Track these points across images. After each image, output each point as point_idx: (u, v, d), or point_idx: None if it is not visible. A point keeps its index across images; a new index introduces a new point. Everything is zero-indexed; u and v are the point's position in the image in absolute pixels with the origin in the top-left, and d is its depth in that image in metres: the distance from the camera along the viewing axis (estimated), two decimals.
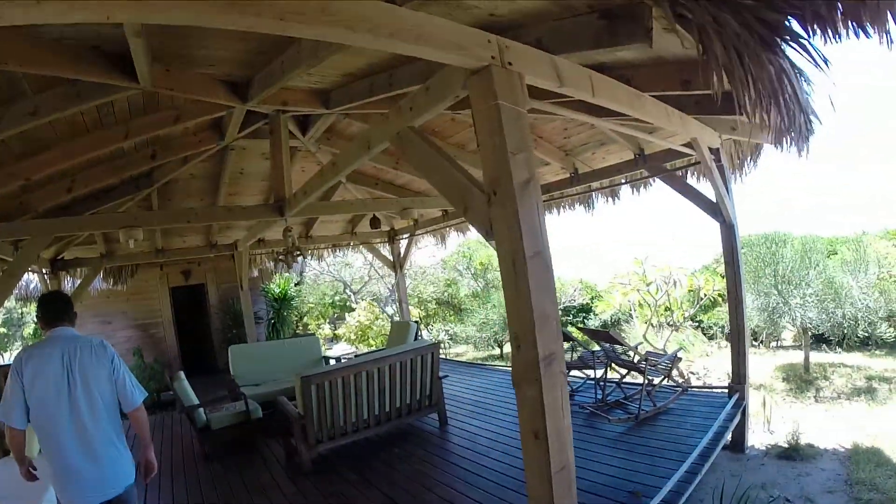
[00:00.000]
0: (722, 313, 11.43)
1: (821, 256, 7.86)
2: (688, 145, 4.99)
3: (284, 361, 6.83)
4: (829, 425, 5.86)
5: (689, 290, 11.85)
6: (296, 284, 12.21)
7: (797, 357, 8.73)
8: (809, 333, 8.15)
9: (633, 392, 5.59)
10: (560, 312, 14.17)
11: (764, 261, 8.15)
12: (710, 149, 4.68)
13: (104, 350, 2.58)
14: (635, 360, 5.27)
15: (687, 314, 11.33)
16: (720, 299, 11.17)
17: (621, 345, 5.19)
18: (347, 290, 17.26)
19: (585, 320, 13.83)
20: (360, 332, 13.20)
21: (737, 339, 5.17)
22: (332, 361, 7.46)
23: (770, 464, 4.85)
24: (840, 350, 8.97)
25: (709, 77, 2.21)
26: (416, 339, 7.06)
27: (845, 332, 8.02)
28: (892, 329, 8.40)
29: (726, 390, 5.15)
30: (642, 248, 14.15)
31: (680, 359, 5.50)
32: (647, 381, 5.07)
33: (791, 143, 3.98)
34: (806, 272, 7.72)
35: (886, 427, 5.74)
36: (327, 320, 17.48)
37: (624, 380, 5.85)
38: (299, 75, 3.82)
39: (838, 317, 7.71)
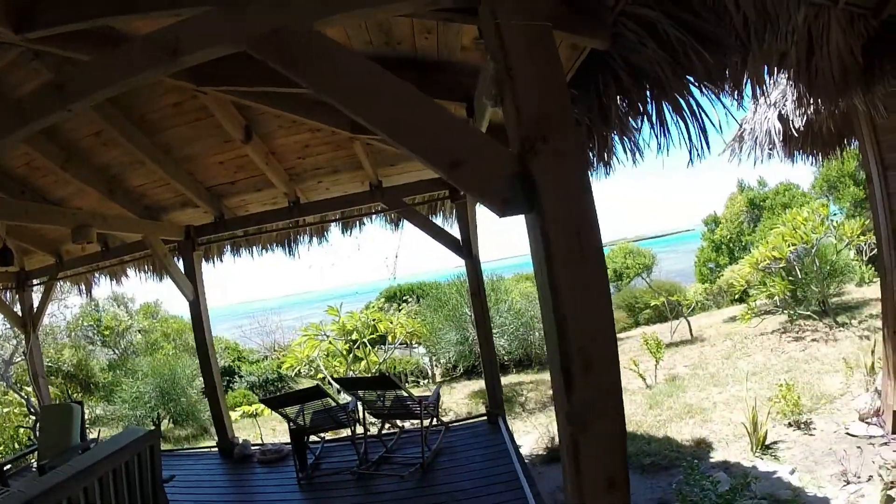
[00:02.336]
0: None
1: (506, 294, 9.57)
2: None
3: None
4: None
5: (379, 335, 12.36)
6: None
7: (479, 384, 10.03)
8: (501, 360, 9.49)
9: (392, 442, 5.15)
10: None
11: (461, 298, 9.24)
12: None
13: None
14: (409, 405, 4.84)
15: (383, 359, 11.68)
16: (412, 340, 12.04)
17: (402, 389, 4.66)
18: None
19: (231, 384, 12.83)
20: None
21: (490, 367, 5.46)
22: None
23: (545, 469, 5.18)
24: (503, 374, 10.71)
25: None
26: (83, 429, 4.59)
27: (537, 352, 9.84)
28: None
29: (485, 418, 5.34)
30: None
31: (440, 396, 5.40)
32: (423, 426, 4.71)
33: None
34: (498, 306, 9.19)
35: None
36: None
37: (381, 431, 5.33)
38: None
39: (529, 341, 9.42)
